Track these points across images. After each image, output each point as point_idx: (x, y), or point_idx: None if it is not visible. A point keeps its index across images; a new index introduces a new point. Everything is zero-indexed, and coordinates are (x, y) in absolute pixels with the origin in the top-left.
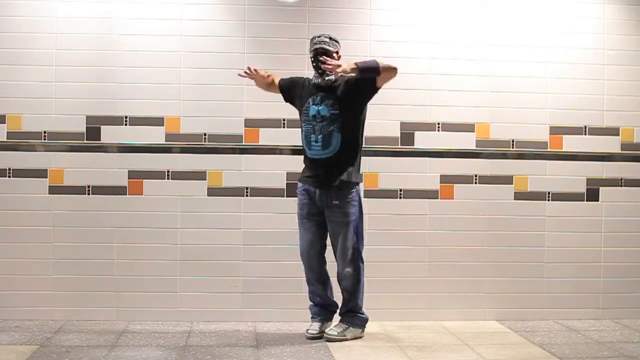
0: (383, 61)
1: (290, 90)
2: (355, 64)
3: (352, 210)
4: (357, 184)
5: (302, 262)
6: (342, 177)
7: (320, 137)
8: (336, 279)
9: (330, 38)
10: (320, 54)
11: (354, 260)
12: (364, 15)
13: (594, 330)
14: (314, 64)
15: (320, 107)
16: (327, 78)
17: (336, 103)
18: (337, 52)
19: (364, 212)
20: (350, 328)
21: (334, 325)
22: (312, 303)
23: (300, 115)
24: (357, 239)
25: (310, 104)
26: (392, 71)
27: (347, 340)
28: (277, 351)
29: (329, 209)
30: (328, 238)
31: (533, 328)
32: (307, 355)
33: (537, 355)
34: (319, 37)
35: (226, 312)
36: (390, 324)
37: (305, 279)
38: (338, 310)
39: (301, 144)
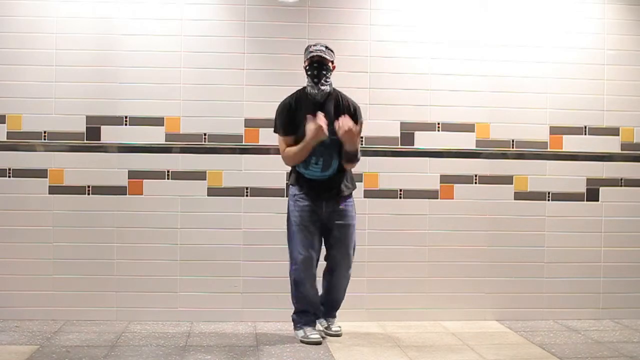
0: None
1: (295, 126)
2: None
3: (354, 213)
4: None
5: (299, 268)
6: (343, 187)
7: (321, 160)
8: (327, 282)
9: (327, 47)
10: (316, 62)
11: (351, 263)
12: (364, 15)
13: (594, 330)
14: (309, 72)
15: None
16: (322, 88)
17: (335, 129)
18: (332, 62)
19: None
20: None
21: (335, 324)
22: (303, 311)
23: (293, 134)
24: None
25: None
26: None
27: None
28: (277, 351)
29: (336, 214)
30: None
31: (533, 328)
32: (307, 355)
33: (537, 355)
34: (315, 45)
35: (226, 312)
36: (390, 324)
37: (298, 285)
38: (329, 312)
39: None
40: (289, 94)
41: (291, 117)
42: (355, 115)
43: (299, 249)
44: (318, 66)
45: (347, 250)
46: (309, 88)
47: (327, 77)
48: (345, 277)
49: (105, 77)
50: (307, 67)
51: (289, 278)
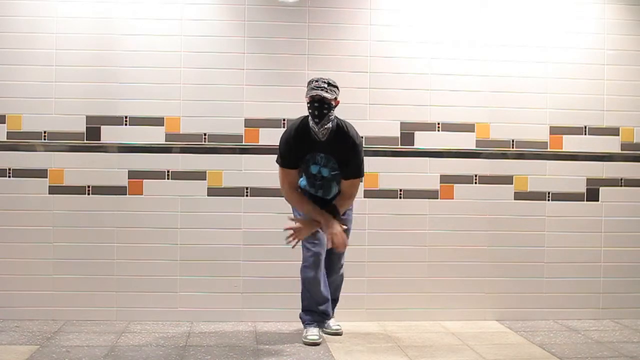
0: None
1: (296, 160)
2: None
3: (351, 217)
4: None
5: (308, 266)
6: None
7: (320, 191)
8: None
9: (329, 84)
10: (317, 101)
11: (344, 262)
12: (364, 15)
13: (594, 330)
14: (310, 110)
15: (321, 168)
16: (324, 127)
17: (336, 165)
18: (335, 99)
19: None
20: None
21: (334, 322)
22: (309, 310)
23: (294, 168)
24: None
25: (311, 162)
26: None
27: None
28: (277, 351)
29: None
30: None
31: (533, 328)
32: (307, 355)
33: (537, 355)
34: (316, 81)
35: (226, 312)
36: (390, 324)
37: (306, 283)
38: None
39: None
40: (294, 121)
41: (293, 152)
42: (352, 151)
43: (307, 247)
44: (319, 106)
45: (342, 251)
46: (311, 123)
47: (329, 116)
48: (339, 275)
49: (105, 77)
50: (309, 105)
51: (299, 277)
